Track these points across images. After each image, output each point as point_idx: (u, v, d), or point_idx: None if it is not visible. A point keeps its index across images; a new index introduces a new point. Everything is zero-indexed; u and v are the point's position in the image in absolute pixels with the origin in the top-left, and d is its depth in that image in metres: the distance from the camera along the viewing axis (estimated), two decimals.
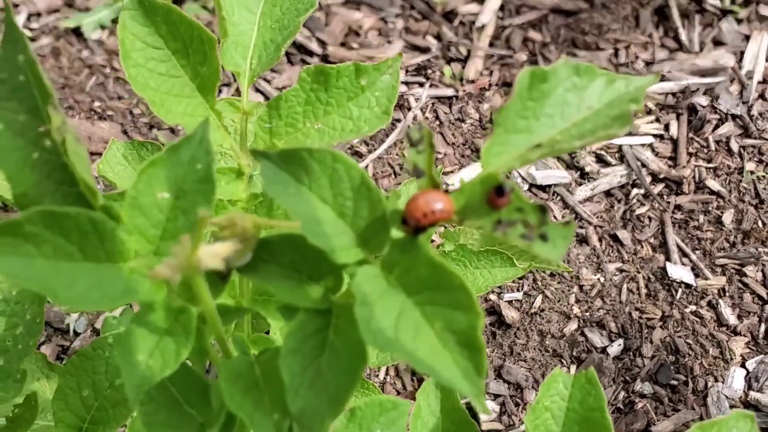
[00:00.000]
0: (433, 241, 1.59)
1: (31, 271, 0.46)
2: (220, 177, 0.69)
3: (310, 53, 2.16)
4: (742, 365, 1.81)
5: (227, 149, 0.71)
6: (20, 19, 2.18)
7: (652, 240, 1.96)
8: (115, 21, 2.17)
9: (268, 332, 1.02)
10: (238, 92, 1.95)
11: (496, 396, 1.81)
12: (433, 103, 2.10)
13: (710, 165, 2.06)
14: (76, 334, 1.86)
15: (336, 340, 0.52)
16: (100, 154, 2.05)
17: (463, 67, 2.14)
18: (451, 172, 2.02)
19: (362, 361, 0.50)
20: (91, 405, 0.86)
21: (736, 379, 1.78)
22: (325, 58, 2.13)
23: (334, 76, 0.70)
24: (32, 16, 2.19)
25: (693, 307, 1.87)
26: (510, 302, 1.88)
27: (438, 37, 2.18)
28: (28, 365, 0.97)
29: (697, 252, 1.95)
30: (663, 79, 2.15)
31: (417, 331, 0.48)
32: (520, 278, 1.92)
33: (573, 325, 1.85)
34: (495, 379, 1.82)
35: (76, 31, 2.15)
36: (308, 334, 0.52)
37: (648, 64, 2.17)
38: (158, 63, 0.66)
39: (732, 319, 1.85)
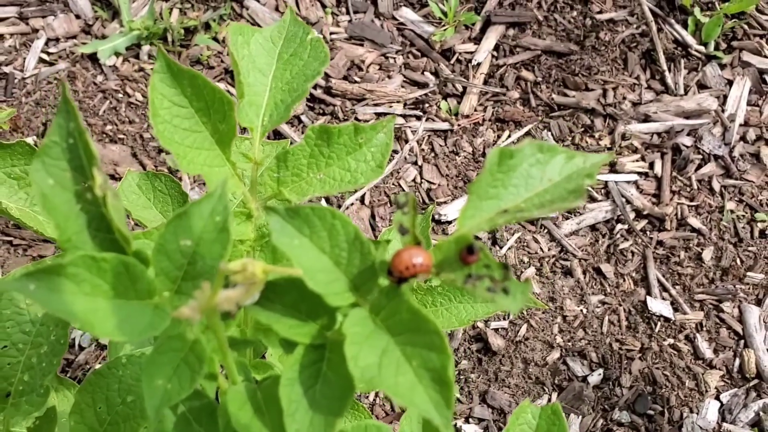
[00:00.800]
0: None
1: (71, 309, 0.55)
2: (233, 219, 0.78)
3: (315, 86, 2.25)
4: (717, 398, 1.90)
5: (239, 195, 0.80)
6: (39, 44, 2.27)
7: (634, 274, 2.05)
8: (129, 48, 2.27)
9: (264, 356, 1.10)
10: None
11: (480, 420, 1.89)
12: (429, 136, 2.20)
13: (692, 203, 2.15)
14: (81, 348, 1.94)
15: (329, 372, 0.61)
16: (111, 176, 2.15)
17: (459, 103, 2.24)
18: (445, 202, 2.11)
19: (351, 391, 0.59)
20: (104, 419, 0.94)
21: (711, 410, 1.87)
22: (328, 90, 2.23)
23: (336, 134, 0.80)
24: (51, 41, 2.29)
25: (671, 340, 1.96)
26: (496, 330, 1.96)
27: (436, 73, 2.28)
28: None
29: (677, 287, 2.04)
30: (649, 119, 2.25)
31: (398, 368, 0.57)
32: None
33: (556, 354, 1.93)
34: (480, 403, 1.90)
35: (92, 57, 2.25)
36: (305, 366, 0.61)
37: (635, 104, 2.27)
38: (183, 120, 0.75)
39: (708, 353, 1.94)
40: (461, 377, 1.92)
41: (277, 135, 2.17)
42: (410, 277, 0.59)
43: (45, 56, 2.26)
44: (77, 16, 2.33)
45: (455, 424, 1.83)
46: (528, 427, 0.79)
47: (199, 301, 0.53)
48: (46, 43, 2.28)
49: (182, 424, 0.66)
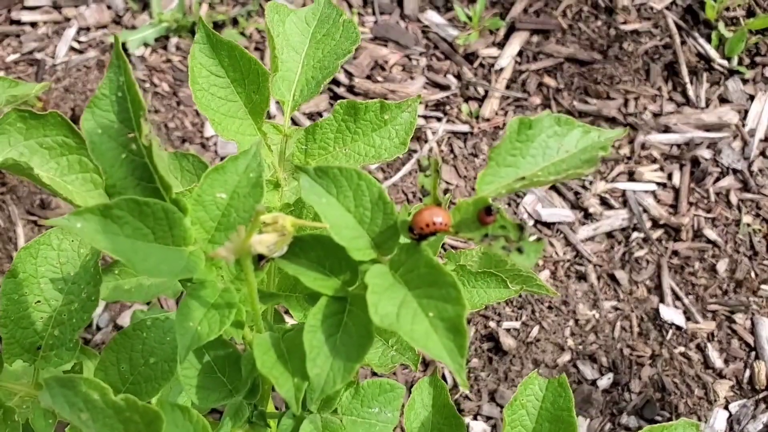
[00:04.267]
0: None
1: (116, 246, 0.59)
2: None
3: (338, 83, 2.30)
4: (726, 407, 1.91)
5: (269, 164, 0.84)
6: (71, 32, 2.35)
7: (647, 282, 2.07)
8: (157, 40, 2.33)
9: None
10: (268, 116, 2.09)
11: (488, 418, 1.91)
12: (449, 138, 2.23)
13: (709, 215, 2.17)
14: (99, 328, 1.99)
15: (349, 322, 0.65)
16: None
17: (480, 106, 2.27)
18: None
19: (369, 340, 0.63)
20: (127, 378, 0.98)
21: (719, 420, 1.88)
22: (351, 89, 2.28)
23: (363, 110, 0.84)
24: (82, 30, 2.37)
25: (682, 349, 1.97)
26: (508, 330, 1.99)
27: (458, 76, 2.32)
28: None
29: (690, 296, 2.05)
30: (669, 130, 2.27)
31: (414, 318, 0.60)
32: (519, 308, 2.03)
33: (566, 357, 1.95)
34: (489, 401, 1.92)
35: (122, 47, 2.32)
36: (327, 316, 0.64)
37: (656, 115, 2.29)
38: (219, 89, 0.79)
39: (719, 363, 1.95)
40: (471, 375, 1.95)
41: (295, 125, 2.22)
42: (430, 234, 0.62)
43: (76, 44, 2.33)
44: (108, 7, 2.40)
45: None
46: (535, 398, 0.81)
47: (234, 243, 0.56)
48: (78, 32, 2.35)
49: (207, 372, 0.70)
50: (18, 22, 2.39)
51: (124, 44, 2.32)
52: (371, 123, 0.84)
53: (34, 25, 2.37)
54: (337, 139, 0.84)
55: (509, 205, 2.18)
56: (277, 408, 0.85)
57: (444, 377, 1.95)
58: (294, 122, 2.21)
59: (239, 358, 0.72)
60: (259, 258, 0.66)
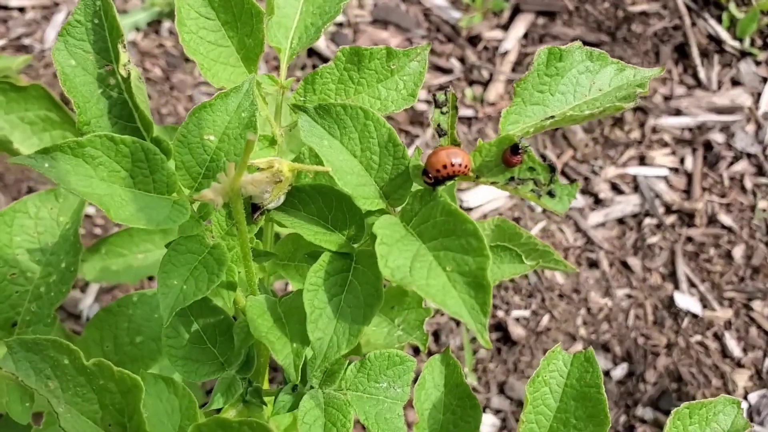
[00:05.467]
0: None
1: (89, 189, 0.51)
2: (257, 142, 0.74)
3: None
4: (744, 398, 1.83)
5: (264, 118, 0.77)
6: (60, 18, 2.27)
7: (661, 269, 1.99)
8: (150, 24, 2.26)
9: None
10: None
11: (497, 411, 1.83)
12: None
13: (723, 200, 2.09)
14: (88, 320, 1.91)
15: (355, 281, 0.57)
16: None
17: (485, 90, 2.20)
18: (466, 189, 2.06)
19: (378, 300, 0.55)
20: (111, 358, 0.90)
21: None
22: None
23: (367, 58, 0.76)
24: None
25: (698, 337, 1.90)
26: (517, 320, 1.91)
27: (462, 59, 2.25)
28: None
29: (705, 284, 1.97)
30: (680, 114, 2.20)
31: (429, 272, 0.53)
32: (528, 296, 1.95)
33: (578, 346, 1.87)
34: (498, 393, 1.84)
35: None
36: (330, 274, 0.57)
37: (666, 98, 2.22)
38: (209, 32, 0.72)
39: (737, 352, 1.87)
40: (479, 366, 1.87)
41: None
42: (447, 178, 0.55)
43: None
44: None
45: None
46: (559, 375, 0.74)
47: (222, 183, 0.49)
48: (67, 17, 2.28)
49: (195, 342, 0.62)
50: (5, 8, 2.31)
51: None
52: (376, 72, 0.76)
53: (22, 10, 2.30)
54: (339, 91, 0.76)
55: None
56: (273, 384, 0.78)
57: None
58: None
59: (231, 326, 0.64)
60: (253, 209, 0.58)
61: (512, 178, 0.53)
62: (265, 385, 0.76)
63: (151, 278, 1.69)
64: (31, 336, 0.52)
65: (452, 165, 0.54)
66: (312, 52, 2.25)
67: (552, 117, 0.56)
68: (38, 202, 0.84)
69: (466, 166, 0.54)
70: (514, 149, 0.53)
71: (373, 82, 0.77)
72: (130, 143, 0.52)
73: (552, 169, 0.53)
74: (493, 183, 0.54)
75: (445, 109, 0.56)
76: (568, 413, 0.72)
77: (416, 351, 1.79)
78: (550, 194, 0.52)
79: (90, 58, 0.55)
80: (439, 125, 0.56)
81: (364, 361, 0.68)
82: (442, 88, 2.20)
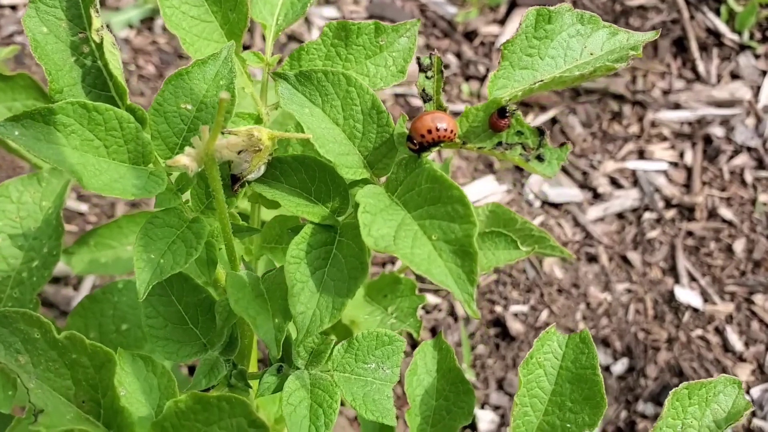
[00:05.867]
0: None
1: (61, 158, 0.49)
2: (240, 120, 0.72)
3: None
4: (747, 392, 1.80)
5: (249, 95, 0.75)
6: None
7: (661, 263, 1.97)
8: (143, 21, 2.24)
9: None
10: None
11: (496, 407, 1.80)
12: None
13: (723, 194, 2.07)
14: (67, 315, 1.89)
15: (339, 254, 0.55)
16: None
17: (481, 85, 2.18)
18: (464, 184, 2.04)
19: (363, 273, 0.53)
20: None
21: None
22: None
23: (355, 33, 0.74)
24: None
25: (699, 331, 1.87)
26: (516, 315, 1.88)
27: (458, 55, 2.23)
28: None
29: (706, 278, 1.95)
30: (679, 107, 2.18)
31: (414, 241, 0.51)
32: (527, 291, 1.93)
33: None
34: (497, 390, 1.82)
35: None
36: (313, 246, 0.55)
37: (665, 92, 2.20)
38: (191, 6, 0.70)
39: (738, 346, 1.85)
40: (477, 362, 1.85)
41: None
42: (432, 144, 0.53)
43: None
44: None
45: None
46: (554, 356, 0.71)
47: (196, 147, 0.47)
48: None
49: (176, 322, 0.60)
50: None
51: (107, 26, 2.24)
52: (365, 48, 0.74)
53: (14, 8, 2.29)
54: (325, 67, 0.74)
55: (514, 185, 2.08)
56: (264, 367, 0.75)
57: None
58: None
59: (213, 305, 0.62)
60: (233, 180, 0.56)
61: (500, 143, 0.52)
62: (253, 369, 0.74)
63: None
64: (2, 310, 0.50)
65: (437, 130, 0.52)
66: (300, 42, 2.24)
67: (542, 81, 0.54)
68: (21, 187, 0.82)
69: (452, 131, 0.53)
70: (502, 112, 0.51)
71: (361, 59, 0.75)
72: (104, 111, 0.50)
73: (541, 132, 0.51)
74: (480, 149, 0.52)
75: (430, 74, 0.54)
76: (564, 396, 0.70)
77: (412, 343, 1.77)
78: (539, 158, 0.50)
79: (62, 26, 0.53)
80: (424, 90, 0.54)
81: (351, 341, 0.66)
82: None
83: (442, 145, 0.53)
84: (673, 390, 0.70)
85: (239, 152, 0.53)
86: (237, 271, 0.59)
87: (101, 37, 0.51)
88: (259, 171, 0.55)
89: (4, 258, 0.82)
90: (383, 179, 0.57)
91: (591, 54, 0.57)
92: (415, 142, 0.53)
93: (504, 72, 0.55)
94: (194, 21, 0.71)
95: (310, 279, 0.53)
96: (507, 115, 0.51)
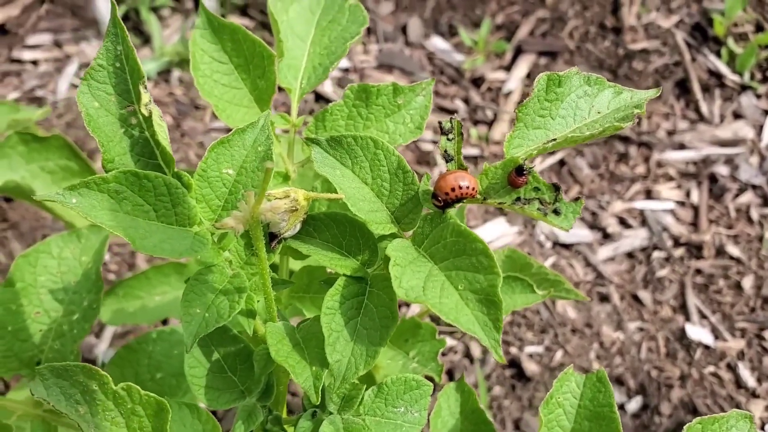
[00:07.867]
0: None
1: (114, 222, 0.54)
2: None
3: None
4: (761, 429, 1.81)
5: (277, 155, 0.80)
6: (72, 69, 2.34)
7: (672, 301, 2.00)
8: (160, 74, 2.32)
9: None
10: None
11: None
12: None
13: (730, 232, 2.10)
14: (104, 365, 1.92)
15: (370, 304, 0.59)
16: None
17: (489, 129, 2.24)
18: (475, 226, 2.08)
19: (393, 321, 0.57)
20: None
21: None
22: None
23: (375, 94, 0.79)
24: (83, 66, 2.36)
25: (712, 368, 1.89)
26: (531, 355, 1.91)
27: (466, 100, 2.30)
28: None
29: (716, 315, 1.97)
30: (684, 147, 2.23)
31: (442, 291, 0.55)
32: (541, 332, 1.95)
33: None
34: (514, 430, 1.83)
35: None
36: (346, 297, 0.59)
37: (669, 133, 2.25)
38: (222, 75, 0.75)
39: (751, 382, 1.86)
40: (493, 403, 1.86)
41: None
42: (455, 200, 0.57)
43: (77, 81, 2.32)
44: None
45: None
46: (572, 396, 0.75)
47: (242, 211, 0.51)
48: (79, 68, 2.35)
49: (216, 371, 0.64)
50: (19, 61, 2.39)
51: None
52: (384, 108, 0.79)
53: (35, 63, 2.37)
54: (348, 126, 0.79)
55: (525, 227, 2.12)
56: (291, 413, 0.79)
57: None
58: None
59: (251, 354, 0.66)
60: (271, 238, 0.60)
61: (518, 199, 0.56)
62: (284, 415, 0.77)
63: (164, 321, 1.71)
64: (62, 363, 0.54)
65: (460, 188, 0.56)
66: (319, 97, 2.31)
67: (554, 140, 0.59)
68: (61, 243, 0.86)
69: (473, 189, 0.57)
70: (519, 170, 0.55)
71: (381, 117, 0.80)
72: (153, 178, 0.55)
73: (556, 188, 0.55)
74: (500, 204, 0.56)
75: (451, 136, 0.58)
76: None
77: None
78: (556, 212, 0.54)
79: (112, 100, 0.58)
80: (446, 151, 0.59)
81: (381, 386, 0.69)
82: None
83: (464, 201, 0.58)
84: (687, 425, 0.73)
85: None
86: (275, 321, 0.63)
87: (149, 111, 0.56)
88: (295, 228, 0.60)
89: (45, 311, 0.86)
90: (409, 233, 0.61)
91: (598, 112, 0.61)
92: (439, 199, 0.58)
93: (519, 132, 0.60)
94: (225, 89, 0.76)
95: (344, 328, 0.57)
96: (524, 172, 0.56)
